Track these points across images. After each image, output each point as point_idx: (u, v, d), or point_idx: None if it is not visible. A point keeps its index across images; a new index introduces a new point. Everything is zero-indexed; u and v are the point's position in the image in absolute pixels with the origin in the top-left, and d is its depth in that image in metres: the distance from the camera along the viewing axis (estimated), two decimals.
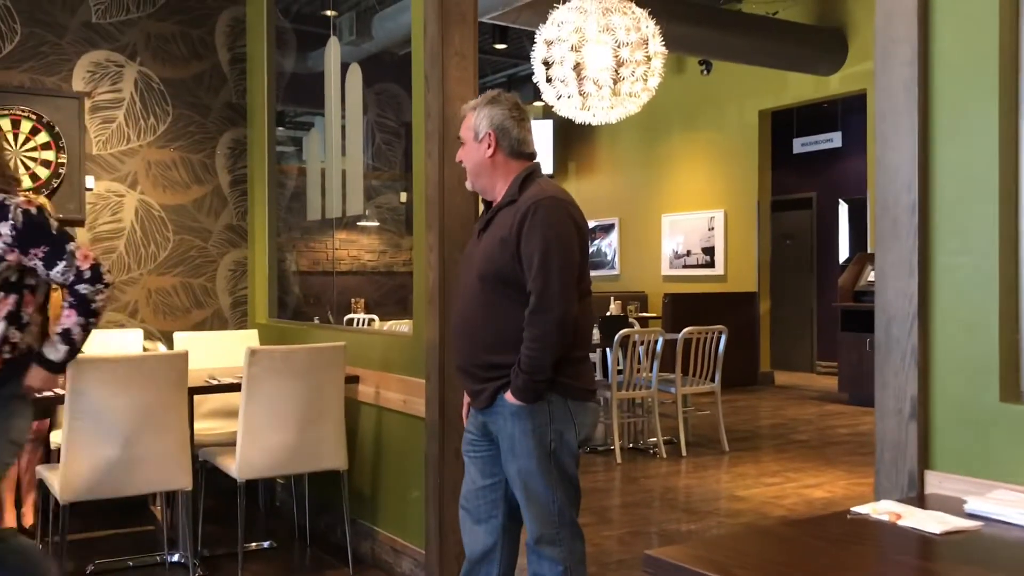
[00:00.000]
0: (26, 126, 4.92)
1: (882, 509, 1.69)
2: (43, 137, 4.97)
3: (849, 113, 10.94)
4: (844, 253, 11.74)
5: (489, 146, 2.62)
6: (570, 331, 2.50)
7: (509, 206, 2.58)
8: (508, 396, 2.53)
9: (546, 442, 2.53)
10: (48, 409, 4.39)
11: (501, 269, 2.53)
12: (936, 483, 1.89)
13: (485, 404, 2.60)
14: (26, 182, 4.87)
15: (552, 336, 2.46)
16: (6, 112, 4.87)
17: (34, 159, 4.94)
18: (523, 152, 2.65)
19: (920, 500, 1.83)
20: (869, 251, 9.51)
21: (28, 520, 4.39)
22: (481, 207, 2.85)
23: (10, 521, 4.24)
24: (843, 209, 11.85)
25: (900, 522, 1.62)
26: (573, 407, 2.57)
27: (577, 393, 2.58)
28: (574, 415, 2.58)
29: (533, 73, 6.81)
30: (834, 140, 11.22)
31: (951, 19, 1.92)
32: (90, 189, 5.14)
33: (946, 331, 1.92)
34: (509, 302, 2.53)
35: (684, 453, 6.41)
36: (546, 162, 12.86)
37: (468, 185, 2.74)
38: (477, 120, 2.63)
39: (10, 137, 4.88)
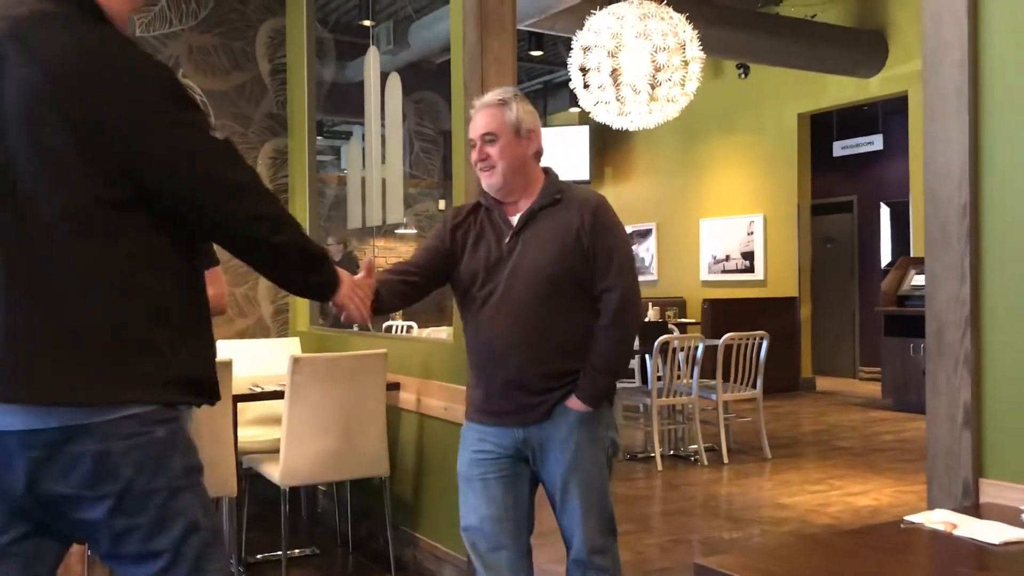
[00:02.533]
0: None
1: (937, 518, 1.66)
2: None
3: (890, 115, 10.80)
4: (886, 257, 11.59)
5: (532, 142, 2.51)
6: None
7: (553, 207, 2.48)
8: (575, 403, 2.44)
9: (606, 448, 2.53)
10: None
11: (573, 270, 2.43)
12: (991, 492, 1.86)
13: (541, 417, 2.46)
14: None
15: (635, 334, 2.48)
16: None
17: None
18: (541, 154, 2.58)
19: (975, 509, 1.80)
20: (912, 255, 9.37)
21: None
22: (442, 205, 2.76)
23: None
24: (885, 212, 11.70)
25: (956, 532, 1.59)
26: (613, 412, 2.61)
27: (613, 398, 2.59)
28: (615, 419, 2.62)
29: (569, 79, 6.81)
30: (875, 143, 11.08)
31: (1001, 20, 1.89)
32: None
33: (1000, 336, 1.88)
34: (579, 305, 2.45)
35: (725, 460, 6.35)
36: (582, 168, 12.83)
37: (493, 184, 2.50)
38: (517, 115, 2.48)
39: None
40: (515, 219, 2.51)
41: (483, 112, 2.51)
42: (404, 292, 2.53)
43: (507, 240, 2.49)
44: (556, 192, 2.50)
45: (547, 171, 2.58)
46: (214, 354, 1.94)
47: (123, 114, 1.59)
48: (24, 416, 1.56)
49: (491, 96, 2.53)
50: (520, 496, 2.53)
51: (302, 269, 1.89)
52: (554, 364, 2.45)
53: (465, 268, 2.54)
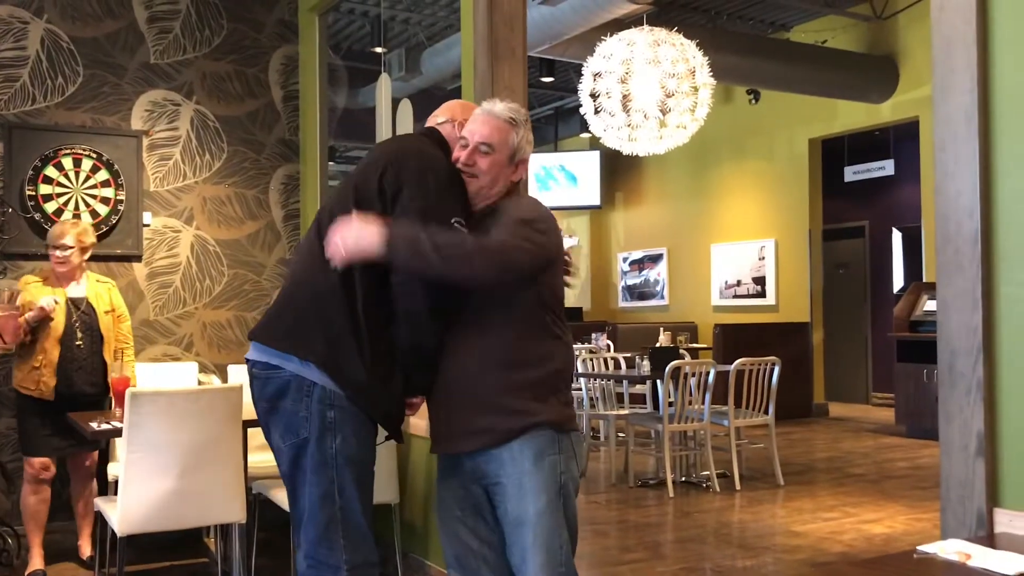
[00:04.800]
0: (87, 164, 5.05)
1: (950, 549, 1.64)
2: (103, 175, 5.09)
3: (901, 141, 10.80)
4: (898, 282, 11.54)
5: (518, 173, 2.46)
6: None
7: (489, 216, 2.41)
8: None
9: (556, 477, 2.30)
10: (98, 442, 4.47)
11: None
12: (1006, 521, 1.84)
13: (492, 442, 2.32)
14: (86, 218, 5.00)
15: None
16: (68, 151, 5.01)
17: (94, 196, 5.06)
18: (519, 184, 2.56)
19: (990, 539, 1.78)
20: (924, 280, 9.33)
21: (85, 552, 4.45)
22: None
23: (38, 563, 4.29)
24: (896, 237, 11.66)
25: (970, 562, 1.57)
26: (574, 438, 2.38)
27: (573, 424, 2.40)
28: (575, 446, 2.38)
29: (580, 105, 6.84)
30: (886, 168, 11.06)
31: (1012, 46, 1.89)
32: (147, 225, 5.25)
33: (1013, 364, 1.87)
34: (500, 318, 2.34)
35: (738, 487, 6.30)
36: (593, 193, 12.86)
37: (469, 190, 2.42)
38: (520, 141, 2.44)
39: (71, 175, 5.01)
40: None
41: (488, 121, 2.42)
42: None
43: None
44: (496, 204, 2.42)
45: (511, 190, 2.49)
46: None
47: None
48: None
49: (502, 108, 2.44)
50: (492, 531, 2.47)
51: None
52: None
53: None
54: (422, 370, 2.38)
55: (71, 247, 4.29)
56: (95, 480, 4.50)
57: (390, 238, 2.17)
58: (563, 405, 2.38)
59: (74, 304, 4.33)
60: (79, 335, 4.29)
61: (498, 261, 2.24)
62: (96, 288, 4.44)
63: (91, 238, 4.44)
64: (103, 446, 4.51)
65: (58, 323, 4.22)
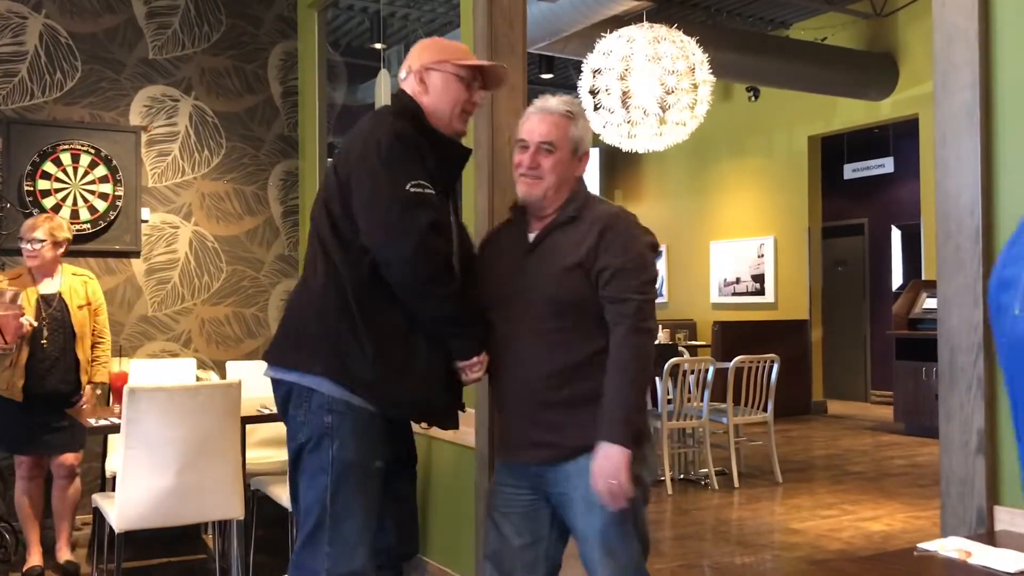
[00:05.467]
0: (85, 160, 5.04)
1: (950, 546, 1.63)
2: (101, 171, 5.08)
3: (901, 138, 10.79)
4: (897, 280, 11.54)
5: (583, 164, 2.38)
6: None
7: (569, 224, 2.30)
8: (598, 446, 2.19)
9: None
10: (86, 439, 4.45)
11: (576, 293, 2.24)
12: (1006, 519, 1.83)
13: (557, 457, 2.25)
14: (84, 215, 4.99)
15: (641, 371, 2.21)
16: (67, 147, 5.00)
17: (92, 192, 5.05)
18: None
19: (990, 537, 1.77)
20: (923, 278, 9.33)
21: (63, 556, 4.32)
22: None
23: (36, 559, 4.25)
24: (896, 235, 11.66)
25: (970, 560, 1.56)
26: (647, 449, 2.30)
27: (647, 433, 2.35)
28: (647, 457, 2.29)
29: (580, 101, 6.83)
30: (885, 165, 11.06)
31: (1013, 42, 1.88)
32: (146, 221, 5.24)
33: None
34: (587, 331, 2.25)
35: (736, 484, 6.30)
36: (592, 189, 12.81)
37: (534, 196, 2.32)
38: (581, 132, 2.35)
39: (70, 171, 5.00)
40: (532, 236, 2.34)
41: (546, 118, 2.32)
42: None
43: (519, 260, 2.32)
44: (574, 211, 2.31)
45: (579, 186, 2.41)
46: None
47: None
48: None
49: (557, 103, 2.34)
50: (536, 534, 2.42)
51: None
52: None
53: (482, 290, 2.37)
54: (460, 336, 2.29)
55: (43, 240, 4.20)
56: (78, 479, 4.40)
57: (622, 439, 2.14)
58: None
59: (45, 301, 4.24)
60: (46, 334, 4.20)
61: (647, 346, 2.24)
62: (71, 282, 4.34)
63: (65, 233, 4.33)
64: (84, 445, 4.42)
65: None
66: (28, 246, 4.22)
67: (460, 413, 2.49)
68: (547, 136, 2.30)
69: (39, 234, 4.22)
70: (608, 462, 2.14)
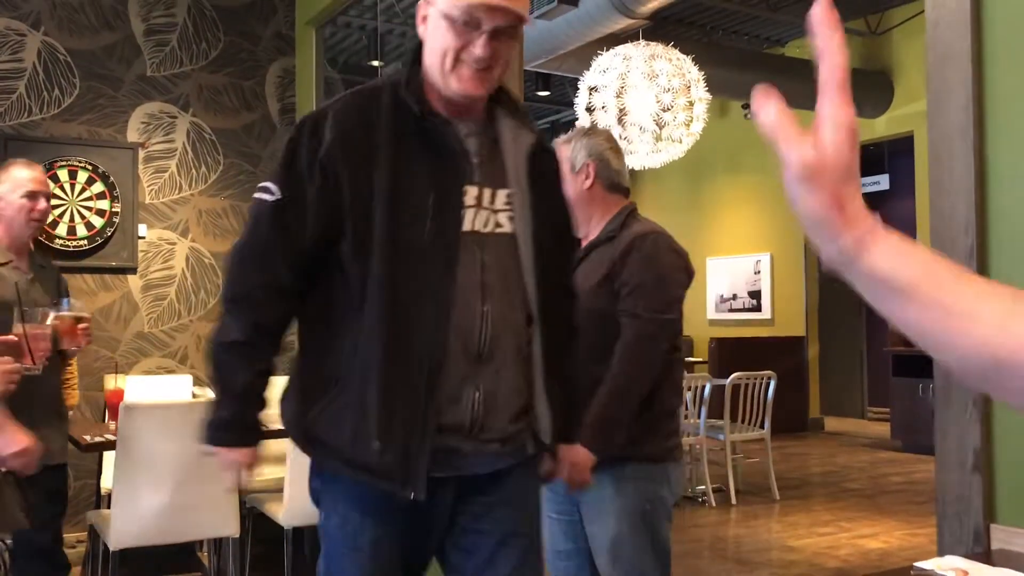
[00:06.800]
0: (82, 176, 5.05)
1: (947, 565, 1.63)
2: (98, 187, 5.09)
3: (896, 155, 10.82)
4: None
5: (587, 177, 2.42)
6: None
7: (607, 243, 2.39)
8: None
9: (640, 504, 2.32)
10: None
11: (604, 310, 2.32)
12: (1003, 538, 1.83)
13: None
14: (81, 231, 4.99)
15: (633, 386, 2.30)
16: (64, 163, 5.01)
17: (89, 208, 5.06)
18: (621, 185, 2.47)
19: (987, 556, 1.77)
20: None
21: None
22: None
23: None
24: None
25: None
26: (671, 467, 2.39)
27: (671, 455, 2.42)
28: (670, 475, 2.37)
29: (576, 119, 6.86)
30: (881, 183, 11.09)
31: (1006, 62, 1.90)
32: (142, 237, 5.24)
33: None
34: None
35: (734, 501, 6.29)
36: None
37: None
38: (574, 151, 2.43)
39: (67, 187, 5.00)
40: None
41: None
42: None
43: None
44: (612, 231, 2.40)
45: (631, 207, 2.48)
46: None
47: None
48: None
49: (563, 135, 2.50)
50: (576, 542, 2.50)
51: None
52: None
53: None
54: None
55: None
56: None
57: (591, 443, 2.17)
58: (662, 439, 2.39)
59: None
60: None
61: (643, 363, 2.31)
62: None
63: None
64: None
65: None
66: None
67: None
68: None
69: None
70: (573, 456, 2.15)
